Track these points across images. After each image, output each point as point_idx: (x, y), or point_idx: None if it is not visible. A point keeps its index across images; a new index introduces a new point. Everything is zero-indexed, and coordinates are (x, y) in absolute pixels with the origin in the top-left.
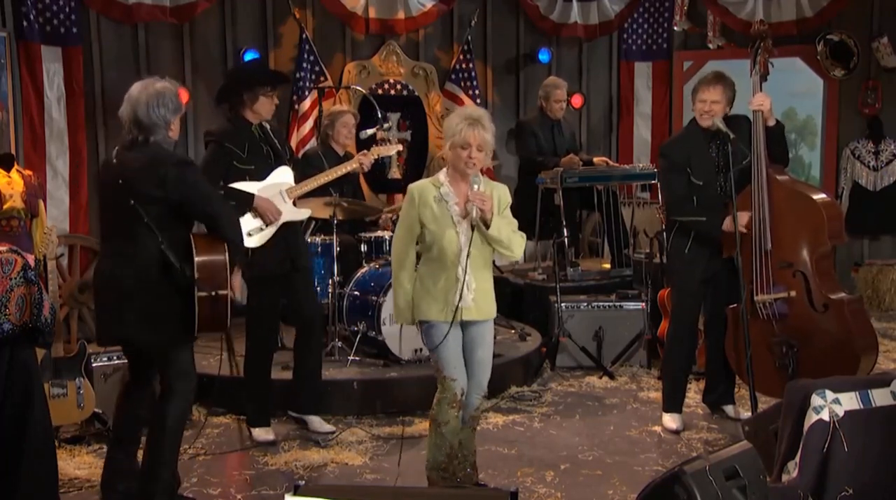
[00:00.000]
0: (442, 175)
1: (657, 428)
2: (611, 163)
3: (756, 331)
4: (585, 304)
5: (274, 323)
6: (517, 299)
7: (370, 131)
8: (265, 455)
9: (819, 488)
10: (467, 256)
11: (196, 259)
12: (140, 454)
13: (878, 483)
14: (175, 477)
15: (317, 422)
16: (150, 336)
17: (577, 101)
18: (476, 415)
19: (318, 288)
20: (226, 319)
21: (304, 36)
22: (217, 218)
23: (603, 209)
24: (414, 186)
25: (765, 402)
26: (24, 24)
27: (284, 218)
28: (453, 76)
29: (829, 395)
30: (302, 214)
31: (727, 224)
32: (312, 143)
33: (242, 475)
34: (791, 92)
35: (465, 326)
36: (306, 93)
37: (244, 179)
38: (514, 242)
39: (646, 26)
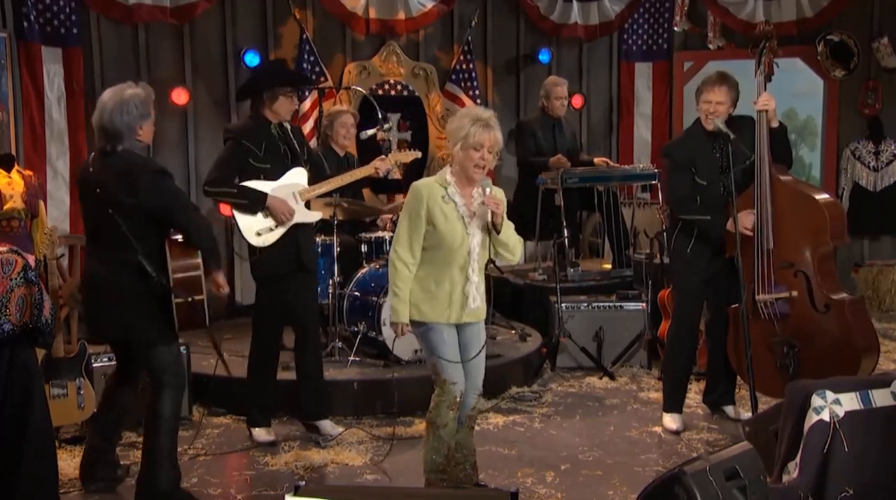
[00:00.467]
0: (447, 175)
1: (657, 429)
2: (611, 163)
3: (757, 331)
4: (586, 304)
5: (278, 323)
6: (517, 299)
7: (370, 132)
8: (265, 456)
9: (819, 488)
10: (477, 256)
11: (173, 273)
12: (119, 447)
13: (878, 484)
14: (176, 468)
15: (328, 426)
16: (133, 336)
17: (577, 101)
18: (473, 415)
19: (319, 289)
20: (203, 319)
21: (304, 36)
22: (188, 226)
23: (603, 210)
24: (420, 185)
25: (765, 402)
26: (25, 24)
27: (295, 219)
28: (454, 77)
29: (830, 395)
30: (313, 216)
31: (731, 224)
32: (313, 143)
33: (243, 476)
34: (791, 92)
35: (460, 327)
36: (306, 93)
37: (259, 178)
38: (517, 247)
39: (646, 27)
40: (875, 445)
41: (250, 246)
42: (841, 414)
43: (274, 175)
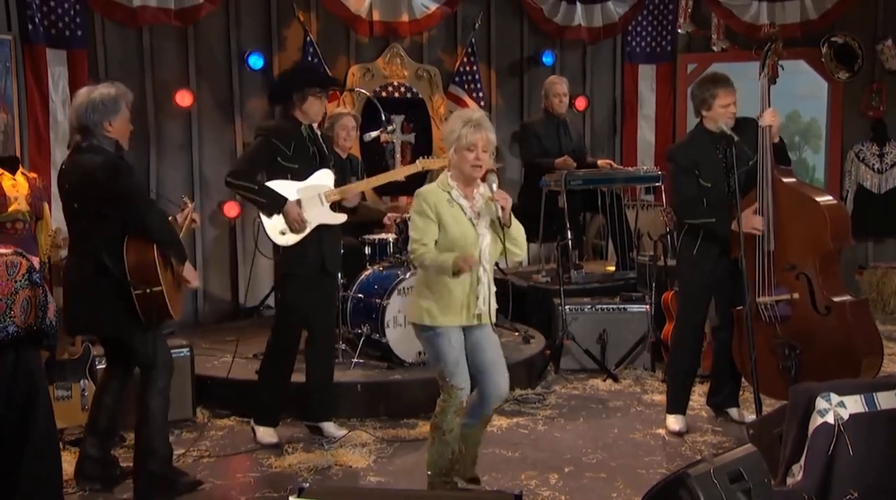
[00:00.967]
0: (448, 179)
1: (661, 431)
2: (615, 165)
3: (759, 333)
4: (589, 306)
5: (298, 324)
6: (521, 301)
7: (374, 134)
8: (269, 457)
9: (824, 491)
10: (487, 256)
11: (128, 264)
12: (123, 449)
13: (882, 486)
14: (169, 450)
15: (331, 427)
16: (105, 329)
17: (580, 103)
18: (489, 415)
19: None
20: (167, 309)
21: (307, 39)
22: (142, 220)
23: (607, 212)
24: (425, 191)
25: (769, 405)
26: (29, 27)
27: (319, 221)
28: (457, 79)
29: (834, 398)
30: (338, 218)
31: (736, 225)
32: None
33: (246, 478)
34: (795, 94)
35: (467, 330)
36: None
37: (286, 177)
38: (524, 242)
39: (650, 29)
40: (880, 447)
41: (274, 245)
42: (845, 417)
43: (301, 175)
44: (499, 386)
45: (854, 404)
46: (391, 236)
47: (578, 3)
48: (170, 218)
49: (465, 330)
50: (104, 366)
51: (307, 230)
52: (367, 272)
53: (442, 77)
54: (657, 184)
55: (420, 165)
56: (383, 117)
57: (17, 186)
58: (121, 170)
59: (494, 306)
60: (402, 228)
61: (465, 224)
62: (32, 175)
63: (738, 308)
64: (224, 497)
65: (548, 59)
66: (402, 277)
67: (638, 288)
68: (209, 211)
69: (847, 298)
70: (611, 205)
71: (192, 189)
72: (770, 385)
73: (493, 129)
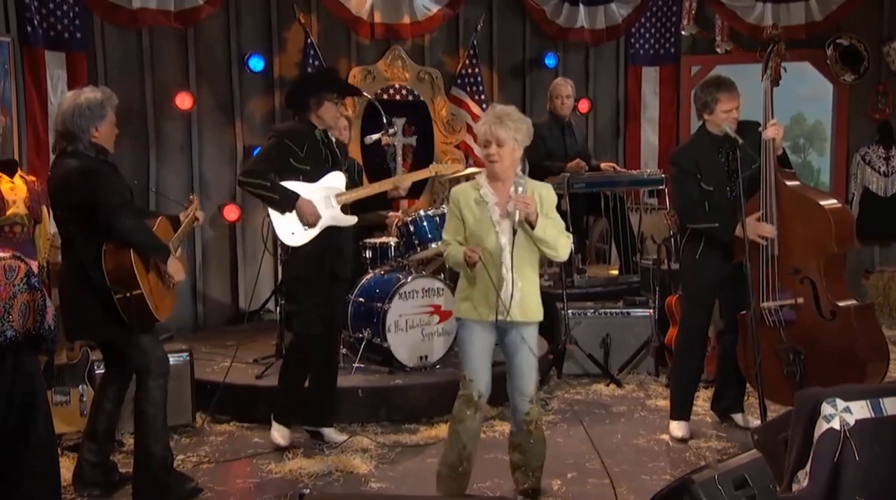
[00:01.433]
0: (481, 177)
1: (665, 437)
2: (618, 168)
3: (763, 338)
4: (592, 311)
5: (314, 323)
6: None
7: (375, 137)
8: (269, 463)
9: (830, 498)
10: (511, 255)
11: (105, 266)
12: (122, 454)
13: (889, 493)
14: (169, 451)
15: (332, 433)
16: (97, 335)
17: (583, 106)
18: (528, 420)
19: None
20: (149, 313)
21: (308, 41)
22: (113, 223)
23: (610, 215)
24: (456, 190)
25: (774, 410)
26: (28, 29)
27: (329, 222)
28: (459, 81)
29: (840, 403)
30: (348, 220)
31: (740, 229)
32: None
33: (246, 484)
34: (800, 96)
35: (506, 328)
36: None
37: (298, 179)
38: (559, 243)
39: (653, 31)
40: (886, 453)
41: (283, 246)
42: (851, 423)
43: (313, 177)
44: (523, 389)
45: (860, 410)
46: (392, 240)
47: (581, 5)
48: (162, 217)
49: (499, 329)
50: (103, 371)
51: (317, 230)
52: (367, 276)
53: (444, 79)
54: (660, 187)
55: (433, 170)
56: (384, 120)
57: (16, 189)
58: (94, 175)
59: (533, 306)
60: (404, 232)
61: (485, 223)
62: (31, 178)
63: (743, 313)
64: None
65: (550, 61)
66: (403, 280)
67: (641, 292)
68: (209, 214)
69: (852, 302)
70: (614, 208)
71: (192, 192)
72: (775, 390)
73: (518, 124)
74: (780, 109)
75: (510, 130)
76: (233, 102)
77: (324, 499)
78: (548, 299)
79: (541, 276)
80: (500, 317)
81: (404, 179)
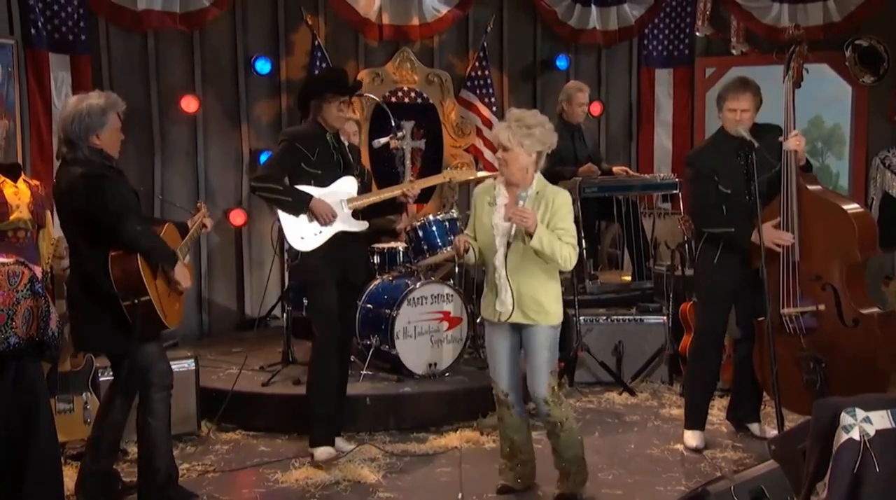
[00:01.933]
0: (501, 178)
1: (679, 446)
2: (631, 173)
3: (782, 345)
4: (605, 317)
5: (334, 325)
6: None
7: (383, 140)
8: (276, 473)
9: None
10: (504, 258)
11: (112, 273)
12: (125, 463)
13: None
14: (173, 467)
15: (340, 441)
16: (104, 342)
17: (595, 108)
18: (550, 420)
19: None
20: (159, 318)
21: (316, 43)
22: (120, 229)
23: (623, 220)
24: (479, 186)
25: (792, 420)
26: (32, 31)
27: (340, 227)
28: (469, 83)
29: (860, 413)
30: (360, 225)
31: (756, 235)
32: None
33: (252, 493)
34: (818, 99)
35: (519, 330)
36: None
37: (309, 183)
38: (560, 254)
39: (667, 32)
40: None
41: (291, 252)
42: (872, 433)
43: (325, 182)
44: (533, 390)
45: (881, 420)
46: (401, 246)
47: (593, 6)
48: (169, 223)
49: (516, 328)
50: (110, 380)
51: (327, 235)
52: (375, 282)
53: (453, 82)
54: (674, 191)
55: (447, 176)
56: (393, 123)
57: (19, 193)
58: (100, 181)
59: (535, 308)
60: (412, 237)
61: (487, 224)
62: (35, 182)
63: (760, 319)
64: None
65: (562, 63)
66: (411, 287)
67: (655, 299)
68: (215, 219)
69: (875, 310)
70: (626, 213)
71: (197, 196)
72: (793, 399)
73: (529, 130)
74: (798, 112)
75: (516, 136)
76: (239, 106)
77: None
78: None
79: None
80: (501, 318)
81: (416, 186)
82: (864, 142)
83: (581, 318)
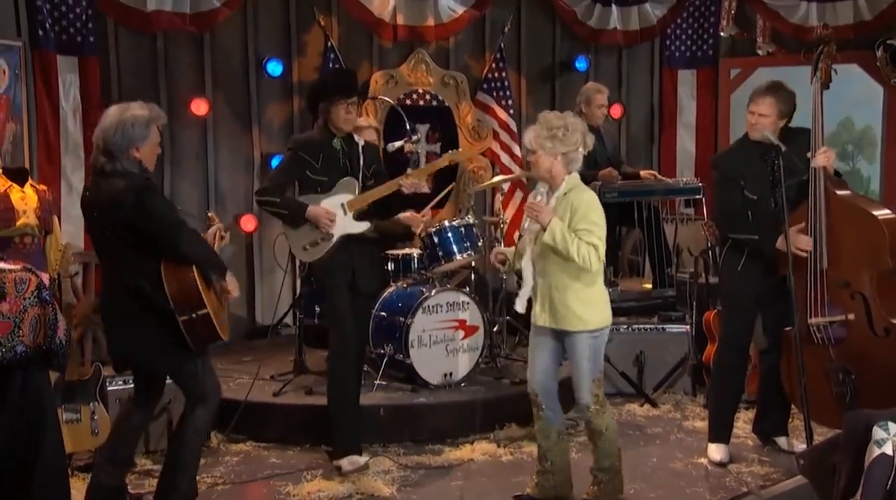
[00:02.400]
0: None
1: (703, 460)
2: (659, 177)
3: (811, 356)
4: (625, 326)
5: (349, 332)
6: None
7: (398, 144)
8: (287, 485)
9: None
10: (530, 259)
11: (168, 290)
12: (134, 475)
13: None
14: (193, 489)
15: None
16: (154, 359)
17: (616, 111)
18: (591, 428)
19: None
20: (216, 331)
21: (329, 44)
22: (176, 242)
23: (644, 226)
24: (532, 192)
25: (821, 433)
26: (40, 32)
27: (343, 231)
28: (485, 86)
29: (893, 427)
30: (359, 227)
31: (781, 242)
32: None
33: None
34: (848, 100)
35: (559, 336)
36: None
37: (316, 191)
38: (574, 251)
39: (690, 32)
40: None
41: (301, 264)
42: None
43: (331, 188)
44: (576, 395)
45: None
46: (416, 252)
47: (614, 5)
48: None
49: (562, 336)
50: (118, 389)
51: (331, 243)
52: (390, 289)
53: (469, 84)
54: (698, 197)
55: (447, 159)
56: (408, 127)
57: (26, 198)
58: (148, 194)
59: (564, 313)
60: (427, 243)
61: (524, 225)
62: (42, 187)
63: (788, 329)
64: None
65: (581, 64)
66: (426, 294)
67: (677, 307)
68: (225, 225)
69: None
70: (648, 218)
71: (207, 202)
72: (822, 412)
73: (553, 132)
74: (827, 114)
75: (539, 138)
76: (250, 109)
77: None
78: None
79: None
80: (537, 321)
81: (412, 177)
82: None
83: None
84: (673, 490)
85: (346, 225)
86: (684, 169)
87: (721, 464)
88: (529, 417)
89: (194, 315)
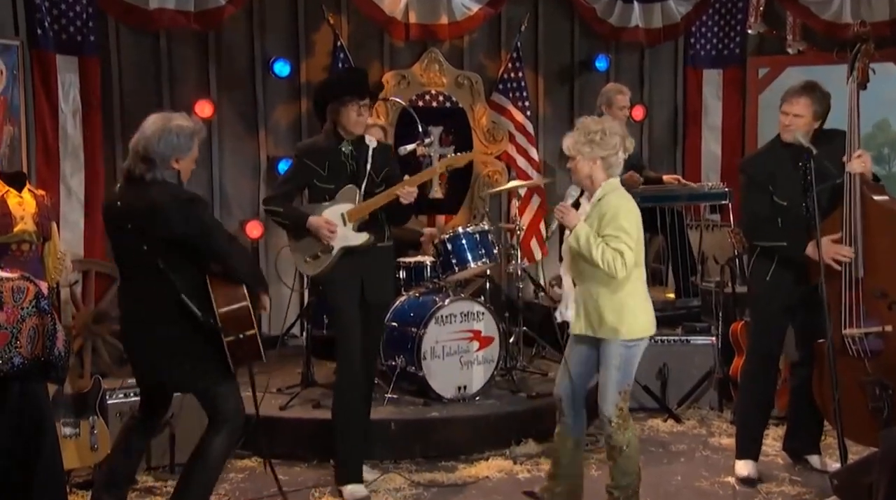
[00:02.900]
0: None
1: (731, 479)
2: (683, 181)
3: (845, 369)
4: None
5: (359, 347)
6: None
7: (410, 147)
8: None
9: None
10: (566, 264)
11: (219, 310)
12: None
13: None
14: None
15: (364, 470)
16: (190, 379)
17: (637, 112)
18: (611, 443)
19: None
20: (259, 352)
21: (338, 43)
22: (225, 258)
23: (667, 232)
24: None
25: (856, 451)
26: (38, 31)
27: (343, 243)
28: (501, 86)
29: None
30: (359, 239)
31: (812, 249)
32: None
33: None
34: (884, 101)
35: (594, 343)
36: None
37: (324, 199)
38: (598, 256)
39: (716, 29)
40: None
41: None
42: None
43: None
44: (600, 406)
45: None
46: (428, 259)
47: (636, 2)
48: None
49: (597, 344)
50: (119, 402)
51: (332, 255)
52: (401, 298)
53: (484, 84)
54: (724, 202)
55: (442, 165)
56: (420, 129)
57: (24, 204)
58: (198, 206)
59: (597, 321)
60: (441, 251)
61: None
62: (40, 192)
63: (820, 341)
64: None
65: (601, 63)
66: (439, 303)
67: (702, 318)
68: (231, 231)
69: None
70: (671, 224)
71: (211, 208)
72: (857, 429)
73: (590, 136)
74: (862, 115)
75: (577, 144)
76: (256, 111)
77: None
78: None
79: None
80: (573, 329)
81: (409, 184)
82: None
83: None
84: None
85: (347, 236)
86: (710, 173)
87: (749, 480)
88: (547, 432)
89: (241, 336)
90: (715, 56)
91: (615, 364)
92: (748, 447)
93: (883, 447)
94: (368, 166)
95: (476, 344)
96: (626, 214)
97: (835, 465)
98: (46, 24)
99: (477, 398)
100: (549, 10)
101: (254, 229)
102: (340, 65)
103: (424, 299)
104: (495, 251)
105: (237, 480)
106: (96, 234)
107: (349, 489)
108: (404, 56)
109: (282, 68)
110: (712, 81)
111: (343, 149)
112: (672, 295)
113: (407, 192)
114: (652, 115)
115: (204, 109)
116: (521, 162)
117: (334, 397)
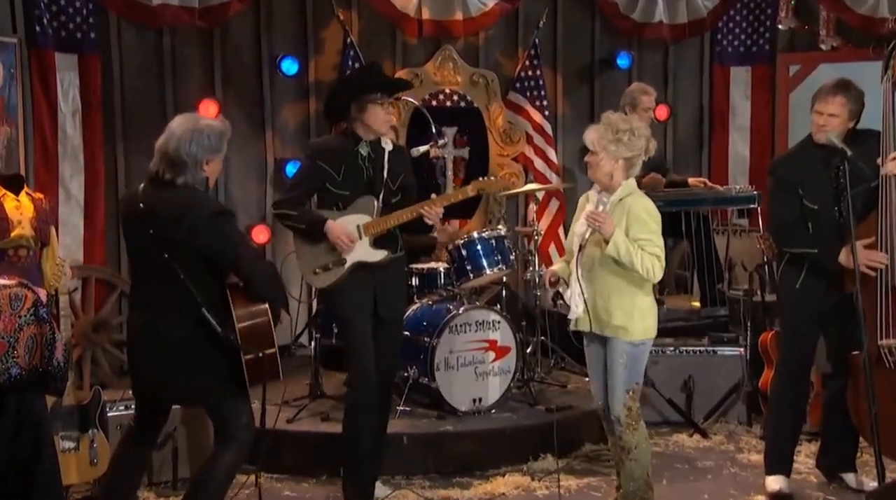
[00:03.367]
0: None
1: (760, 497)
2: (709, 184)
3: (882, 382)
4: (672, 348)
5: (372, 367)
6: None
7: (423, 148)
8: None
9: None
10: (577, 264)
11: (239, 325)
12: None
13: None
14: None
15: (376, 487)
16: (202, 393)
17: (661, 112)
18: (621, 444)
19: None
20: (278, 372)
21: (348, 41)
22: (249, 276)
23: (692, 238)
24: (582, 196)
25: (894, 469)
26: (37, 28)
27: (357, 259)
28: (518, 85)
29: None
30: (376, 255)
31: (845, 256)
32: None
33: None
34: None
35: (603, 342)
36: None
37: (337, 205)
38: (639, 263)
39: (744, 25)
40: None
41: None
42: None
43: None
44: (609, 406)
45: None
46: (441, 266)
47: None
48: None
49: (605, 342)
50: (119, 415)
51: (344, 270)
52: (414, 307)
53: (500, 83)
54: (752, 206)
55: (474, 188)
56: (433, 130)
57: (22, 208)
58: (226, 216)
59: (608, 321)
60: (455, 257)
61: (573, 229)
62: (38, 196)
63: (855, 353)
64: None
65: (623, 61)
66: (454, 312)
67: (730, 328)
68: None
69: None
70: (697, 230)
71: None
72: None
73: (618, 135)
74: None
75: (602, 139)
76: (263, 110)
77: None
78: None
79: None
80: (576, 325)
81: (437, 204)
82: None
83: None
84: None
85: (362, 252)
86: (737, 176)
87: (781, 496)
88: (567, 447)
89: (261, 354)
90: (743, 53)
91: (622, 363)
92: (779, 462)
93: None
94: (385, 173)
95: (492, 354)
96: (655, 218)
97: (872, 484)
98: (45, 20)
99: (493, 411)
100: (568, 5)
101: (260, 234)
102: (350, 63)
103: (438, 308)
104: (512, 257)
105: (242, 497)
106: (96, 239)
107: None
108: (417, 54)
109: (289, 67)
110: (740, 80)
111: (360, 151)
112: (697, 303)
113: (434, 212)
114: (676, 115)
115: (209, 108)
116: (538, 164)
117: (345, 412)
